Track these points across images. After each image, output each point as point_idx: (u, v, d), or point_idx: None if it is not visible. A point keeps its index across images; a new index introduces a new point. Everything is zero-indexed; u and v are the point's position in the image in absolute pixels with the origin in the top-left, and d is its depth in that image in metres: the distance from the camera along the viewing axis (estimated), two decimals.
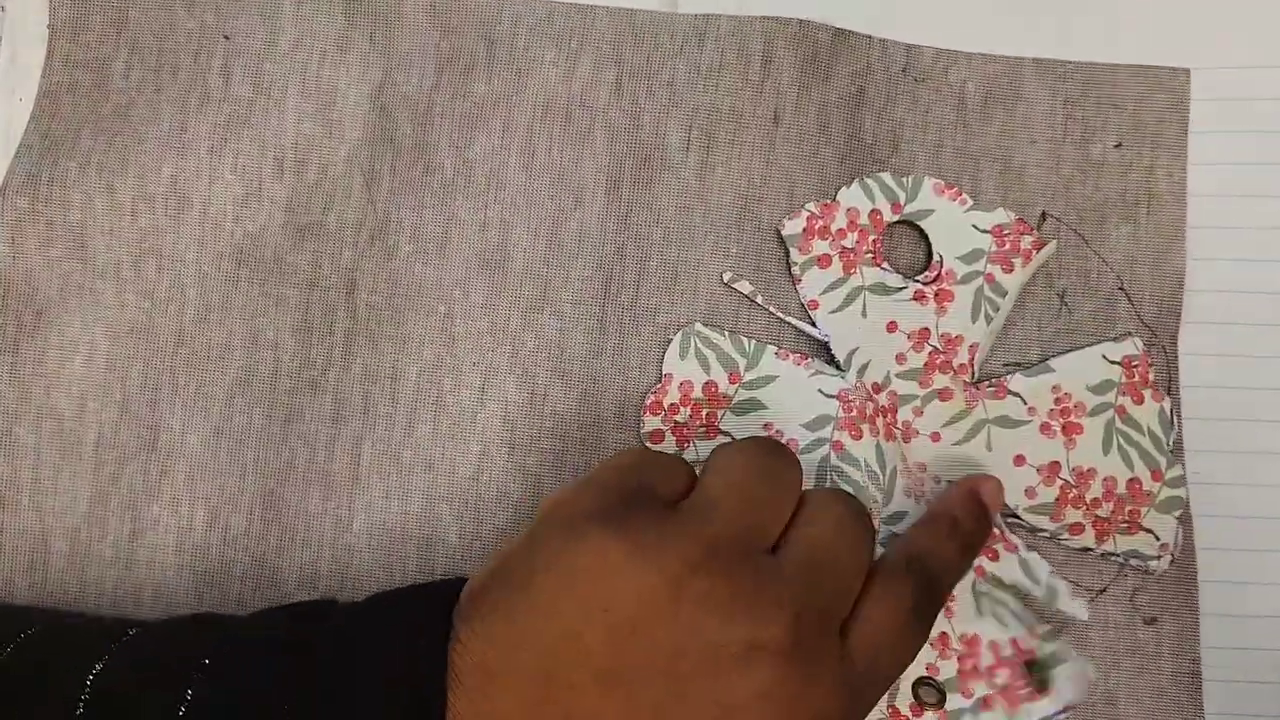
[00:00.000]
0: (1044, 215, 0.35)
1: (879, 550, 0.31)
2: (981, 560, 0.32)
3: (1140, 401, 0.33)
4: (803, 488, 0.29)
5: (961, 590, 0.32)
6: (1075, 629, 0.33)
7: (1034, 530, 0.33)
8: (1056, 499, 0.33)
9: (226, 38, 0.35)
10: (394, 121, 0.35)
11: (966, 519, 0.30)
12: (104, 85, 0.35)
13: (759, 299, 0.34)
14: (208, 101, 0.35)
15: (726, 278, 0.34)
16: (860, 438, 0.33)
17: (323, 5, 0.36)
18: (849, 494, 0.29)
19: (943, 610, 0.32)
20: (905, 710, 0.31)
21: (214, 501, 0.34)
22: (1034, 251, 0.34)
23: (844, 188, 0.34)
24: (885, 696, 0.31)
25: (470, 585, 0.27)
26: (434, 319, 0.34)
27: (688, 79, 0.35)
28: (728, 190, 0.35)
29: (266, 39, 0.35)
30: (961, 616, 0.32)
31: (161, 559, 0.34)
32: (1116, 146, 0.35)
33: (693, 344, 0.33)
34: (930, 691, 0.32)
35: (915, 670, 0.31)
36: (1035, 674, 0.31)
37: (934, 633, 0.31)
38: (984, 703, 0.31)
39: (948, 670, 0.31)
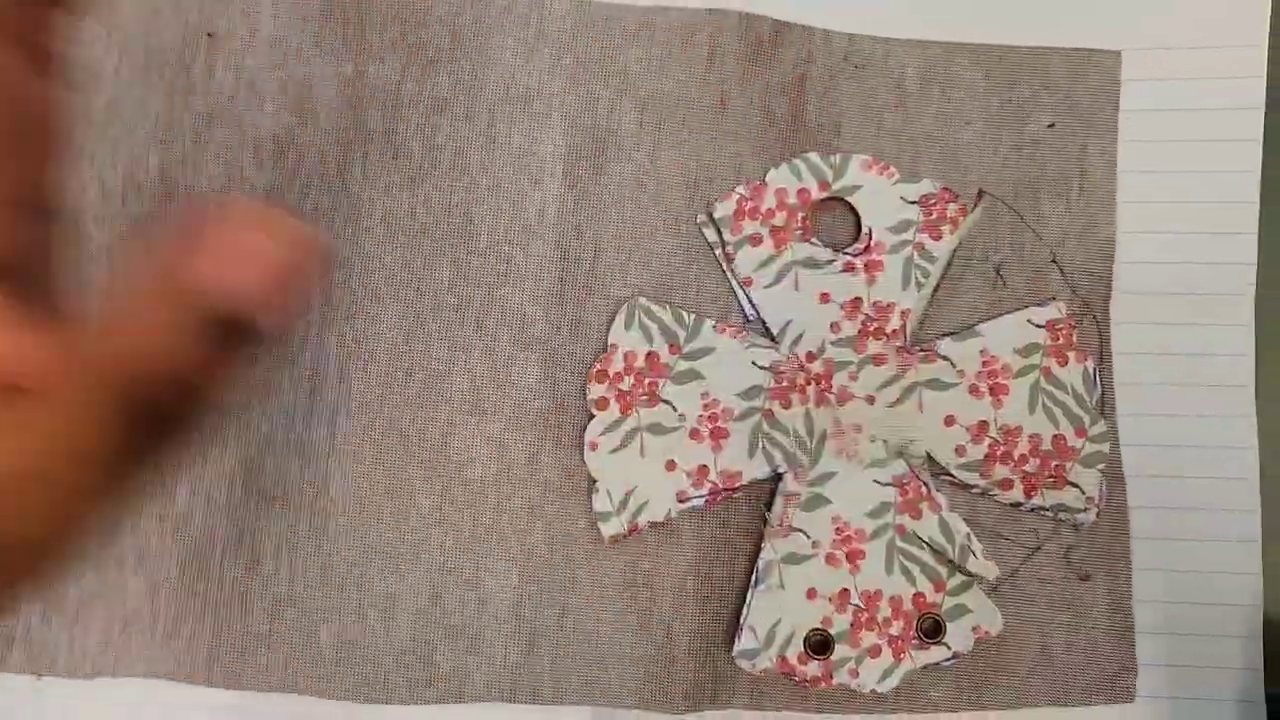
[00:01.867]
0: (981, 193, 0.40)
1: (800, 513, 0.37)
2: (904, 518, 0.38)
3: (1064, 363, 0.38)
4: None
5: (875, 548, 0.38)
6: (1014, 585, 0.38)
7: (966, 487, 0.38)
8: (985, 456, 0.38)
9: (210, 35, 0.41)
10: (365, 112, 0.41)
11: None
12: (97, 82, 0.41)
13: (718, 251, 0.40)
14: (192, 95, 0.41)
15: (700, 219, 0.40)
16: (790, 407, 0.38)
17: (300, 2, 0.41)
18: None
19: (848, 567, 0.38)
20: (793, 659, 0.37)
21: (197, 471, 0.40)
22: (960, 218, 0.39)
23: (772, 169, 0.39)
24: (776, 646, 0.37)
25: None
26: (404, 295, 0.39)
27: (639, 67, 0.40)
28: (677, 171, 0.40)
29: (247, 35, 0.41)
30: (868, 574, 0.38)
31: (145, 526, 0.40)
32: (1050, 126, 0.40)
33: (637, 316, 0.39)
34: (819, 641, 0.38)
35: (810, 621, 0.38)
36: (931, 625, 0.37)
37: (834, 589, 0.38)
38: (871, 651, 0.37)
39: (841, 624, 0.38)
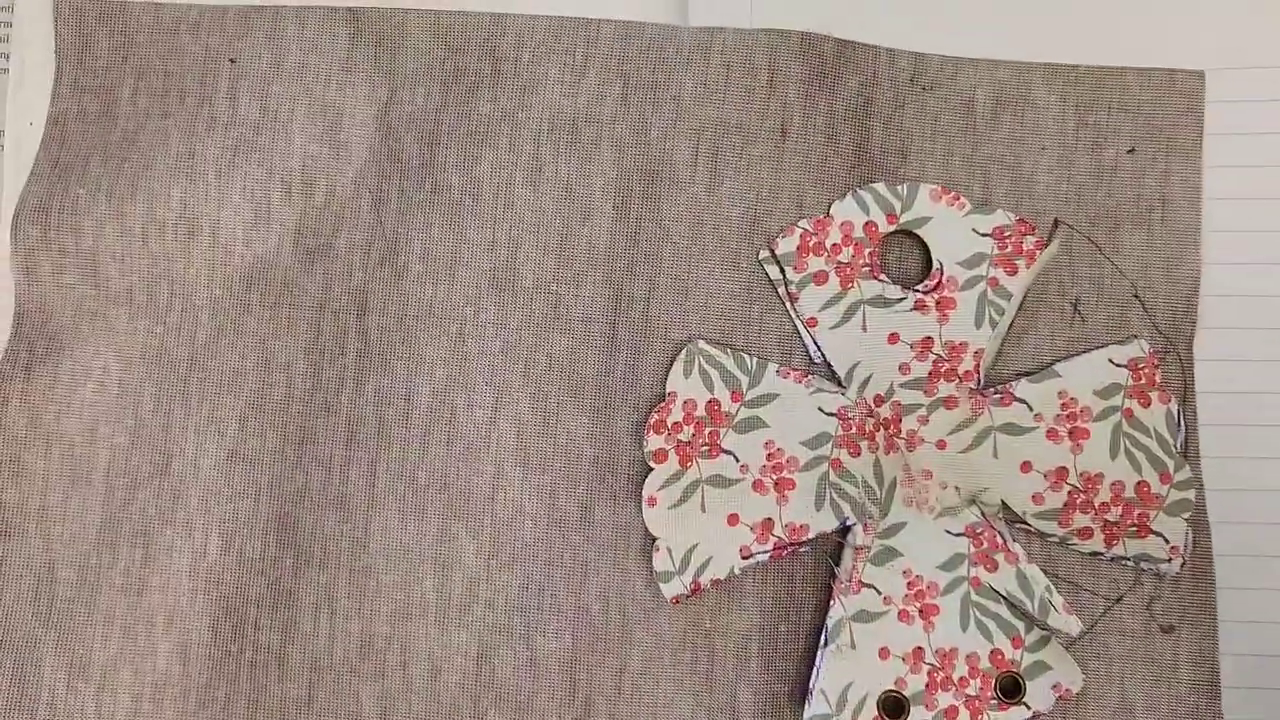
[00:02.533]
0: (1056, 222, 0.38)
1: (870, 568, 0.36)
2: (979, 570, 0.36)
3: (1147, 404, 0.36)
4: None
5: (949, 603, 0.36)
6: (1093, 639, 0.37)
7: (1042, 536, 0.36)
8: (1064, 504, 0.36)
9: (232, 61, 0.39)
10: (400, 141, 0.39)
11: None
12: (112, 111, 0.39)
13: (781, 290, 0.38)
14: (214, 125, 0.39)
15: (761, 255, 0.38)
16: (858, 455, 0.37)
17: (326, 26, 0.39)
18: None
19: (921, 624, 0.36)
20: None
21: (228, 526, 0.38)
22: (1037, 252, 0.37)
23: (837, 201, 0.38)
24: (849, 711, 0.36)
25: None
26: (445, 339, 0.38)
27: (694, 92, 0.38)
28: (737, 204, 0.38)
29: (272, 61, 0.39)
30: (942, 631, 0.36)
31: (175, 584, 0.38)
32: (1129, 152, 0.39)
33: (696, 362, 0.37)
34: (893, 703, 0.36)
35: (884, 683, 0.36)
36: (1010, 684, 0.36)
37: (908, 647, 0.36)
38: (947, 713, 0.36)
39: (916, 684, 0.36)
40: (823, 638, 0.36)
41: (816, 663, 0.36)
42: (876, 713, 0.36)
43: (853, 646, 0.36)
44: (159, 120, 0.39)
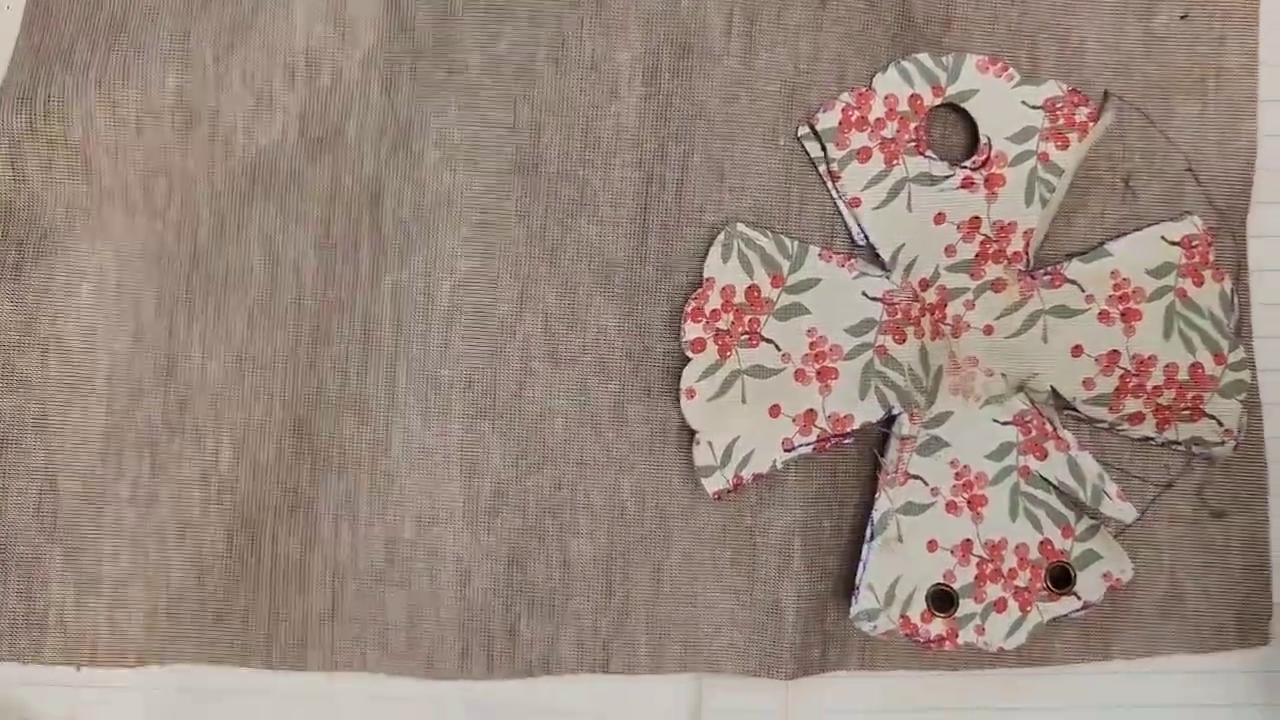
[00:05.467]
0: (1106, 95, 0.38)
1: (917, 458, 0.36)
2: (1029, 459, 0.36)
3: (1200, 283, 0.36)
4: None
5: (998, 494, 0.36)
6: (1143, 526, 0.37)
7: (1091, 421, 0.36)
8: (1116, 389, 0.37)
9: None
10: (411, 18, 0.38)
11: None
12: None
13: (822, 169, 0.37)
14: (209, 4, 0.38)
15: (801, 132, 0.38)
16: (904, 341, 0.37)
17: None
18: None
19: (969, 515, 0.36)
20: (915, 619, 0.36)
21: (240, 432, 0.38)
22: (1090, 124, 0.36)
23: (879, 73, 0.37)
24: (897, 605, 0.36)
25: None
26: (466, 229, 0.38)
27: None
28: (774, 77, 0.38)
29: None
30: (991, 522, 0.36)
31: (186, 495, 0.38)
32: (1182, 18, 0.38)
33: (735, 245, 0.37)
34: (943, 598, 0.36)
35: (932, 576, 0.36)
36: (1060, 574, 0.36)
37: (956, 539, 0.36)
38: (996, 605, 0.36)
39: (965, 577, 0.36)
40: (868, 531, 0.36)
41: (863, 557, 0.36)
42: (925, 606, 0.36)
43: (900, 540, 0.36)
44: (149, 0, 0.37)
